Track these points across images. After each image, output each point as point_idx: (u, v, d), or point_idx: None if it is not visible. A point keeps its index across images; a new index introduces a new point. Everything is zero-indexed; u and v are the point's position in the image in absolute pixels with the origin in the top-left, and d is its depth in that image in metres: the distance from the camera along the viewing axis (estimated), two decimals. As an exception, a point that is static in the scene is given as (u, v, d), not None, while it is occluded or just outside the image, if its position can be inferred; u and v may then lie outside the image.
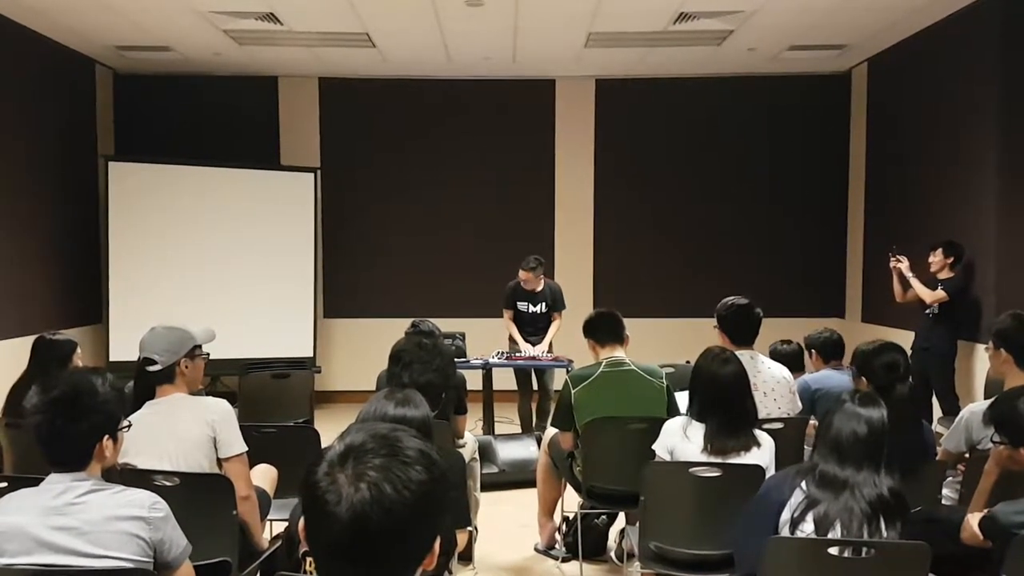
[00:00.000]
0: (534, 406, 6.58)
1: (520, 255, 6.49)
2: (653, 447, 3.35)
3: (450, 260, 8.47)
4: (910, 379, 3.34)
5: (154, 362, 2.99)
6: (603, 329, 4.10)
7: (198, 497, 2.79)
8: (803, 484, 2.49)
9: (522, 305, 6.55)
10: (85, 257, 7.58)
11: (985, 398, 3.74)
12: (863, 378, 3.37)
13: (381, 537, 1.13)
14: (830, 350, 4.59)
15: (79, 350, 4.13)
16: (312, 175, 8.16)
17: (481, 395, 6.21)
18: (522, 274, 6.40)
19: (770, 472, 3.09)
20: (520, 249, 7.92)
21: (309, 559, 1.79)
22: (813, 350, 4.65)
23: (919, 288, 5.87)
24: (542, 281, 6.49)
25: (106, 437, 2.22)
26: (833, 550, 2.35)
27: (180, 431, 2.96)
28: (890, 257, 6.04)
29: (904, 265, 6.00)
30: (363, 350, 8.11)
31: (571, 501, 4.35)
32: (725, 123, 8.46)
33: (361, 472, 1.14)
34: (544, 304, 6.54)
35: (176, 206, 7.65)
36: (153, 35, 6.93)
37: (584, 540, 4.18)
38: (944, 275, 5.80)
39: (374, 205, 8.48)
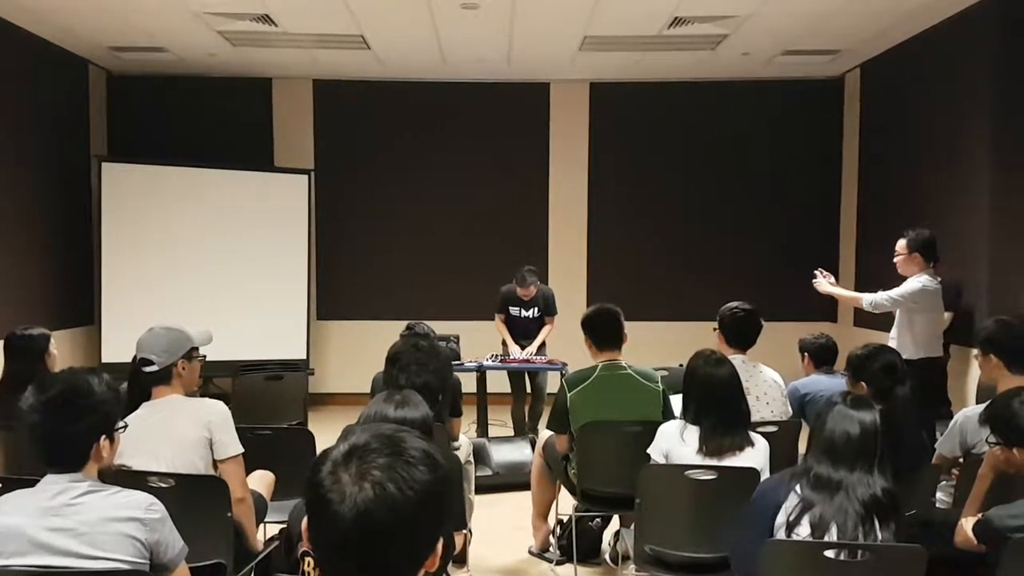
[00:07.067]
0: (527, 409, 6.58)
1: (514, 257, 6.44)
2: (648, 450, 3.36)
3: (444, 262, 8.46)
4: (908, 381, 3.36)
5: (151, 363, 2.99)
6: (602, 333, 4.05)
7: (193, 499, 2.78)
8: (797, 487, 2.49)
9: (514, 310, 6.56)
10: (78, 258, 7.54)
11: (978, 403, 3.76)
12: (861, 383, 3.38)
13: (384, 537, 1.13)
14: (823, 356, 4.63)
15: (53, 340, 4.07)
16: (306, 177, 8.15)
17: (475, 398, 6.21)
18: (520, 291, 6.40)
19: (765, 473, 3.11)
20: (514, 251, 7.98)
21: (308, 559, 1.79)
22: (806, 354, 4.69)
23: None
24: (535, 287, 6.49)
25: (103, 438, 2.22)
26: (829, 552, 2.36)
27: (176, 433, 2.95)
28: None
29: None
30: (356, 352, 8.12)
31: (565, 503, 4.35)
32: (719, 127, 8.47)
33: (365, 471, 1.15)
34: (536, 309, 6.54)
35: (169, 207, 7.63)
36: (147, 36, 6.90)
37: (578, 543, 4.20)
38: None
39: (368, 207, 8.47)
